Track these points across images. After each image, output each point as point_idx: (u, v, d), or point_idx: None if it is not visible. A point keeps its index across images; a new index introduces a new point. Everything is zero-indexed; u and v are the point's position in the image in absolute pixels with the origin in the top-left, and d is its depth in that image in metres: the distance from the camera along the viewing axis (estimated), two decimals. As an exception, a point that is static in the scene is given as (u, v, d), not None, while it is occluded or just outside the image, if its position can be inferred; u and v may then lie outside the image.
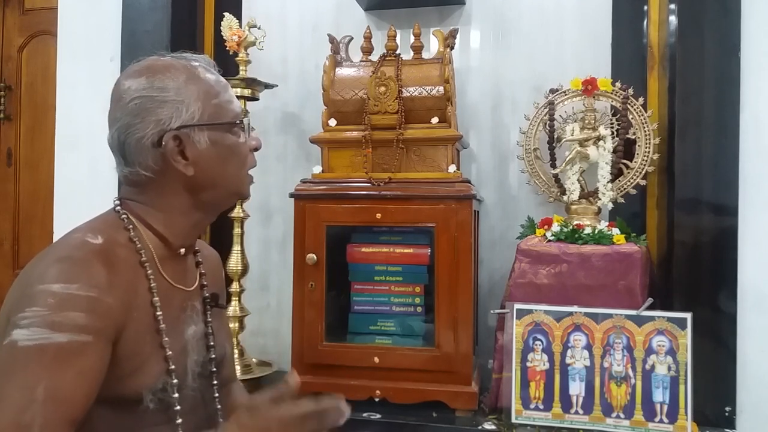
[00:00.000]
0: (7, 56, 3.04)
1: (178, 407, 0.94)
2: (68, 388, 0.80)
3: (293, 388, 0.91)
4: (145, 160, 0.94)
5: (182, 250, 1.00)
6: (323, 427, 0.87)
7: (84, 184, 2.12)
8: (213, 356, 1.04)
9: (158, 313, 0.93)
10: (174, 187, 0.97)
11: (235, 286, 1.90)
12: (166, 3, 2.03)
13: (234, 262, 1.90)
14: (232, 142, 0.99)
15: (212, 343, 1.04)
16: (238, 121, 1.00)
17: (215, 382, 1.05)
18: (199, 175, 0.96)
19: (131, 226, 0.95)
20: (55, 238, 2.14)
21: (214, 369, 1.05)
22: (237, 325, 1.89)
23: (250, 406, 0.90)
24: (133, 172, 0.96)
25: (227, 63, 2.03)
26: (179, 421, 0.94)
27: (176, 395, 0.94)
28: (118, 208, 0.98)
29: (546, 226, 1.69)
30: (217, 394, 1.05)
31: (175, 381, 0.94)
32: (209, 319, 1.05)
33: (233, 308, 1.89)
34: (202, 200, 0.99)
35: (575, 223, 1.67)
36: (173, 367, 0.94)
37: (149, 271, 0.94)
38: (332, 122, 1.77)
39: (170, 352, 0.93)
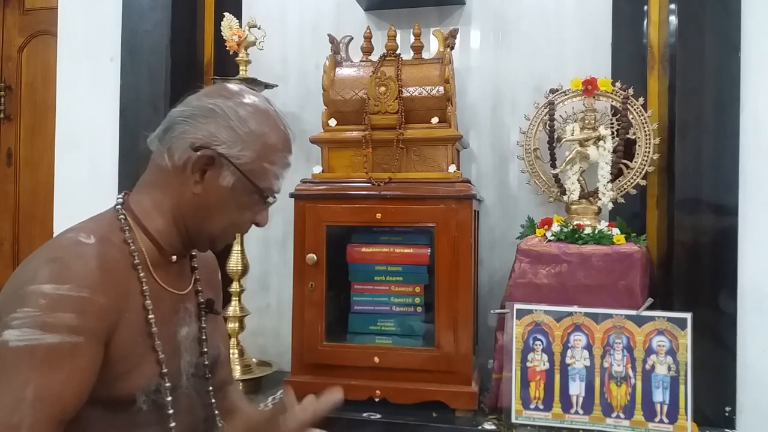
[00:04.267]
0: (7, 56, 3.04)
1: (171, 410, 0.94)
2: (58, 388, 0.80)
3: (290, 405, 0.94)
4: (175, 151, 0.95)
5: (174, 258, 1.00)
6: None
7: (84, 184, 2.12)
8: (206, 360, 1.04)
9: (150, 316, 0.93)
10: (177, 194, 0.97)
11: (235, 286, 1.90)
12: (166, 3, 2.03)
13: (234, 262, 1.90)
14: (245, 202, 0.99)
15: (205, 348, 1.04)
16: (266, 195, 1.00)
17: (210, 382, 1.05)
18: (199, 200, 0.96)
19: (127, 228, 0.95)
20: (55, 238, 2.15)
21: (209, 370, 1.05)
22: (237, 325, 1.89)
23: (247, 423, 0.92)
24: (159, 153, 0.97)
25: (227, 63, 2.04)
26: (172, 424, 0.94)
27: (169, 398, 0.94)
28: (119, 207, 0.98)
29: (546, 226, 1.68)
30: (212, 395, 1.05)
31: (168, 384, 0.94)
32: (203, 324, 1.05)
33: (233, 308, 1.89)
34: (187, 224, 0.98)
35: (575, 223, 1.67)
36: (166, 370, 0.94)
37: (141, 274, 0.93)
38: (332, 122, 1.77)
39: (162, 355, 0.93)
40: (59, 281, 0.83)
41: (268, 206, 1.03)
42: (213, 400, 1.05)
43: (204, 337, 1.04)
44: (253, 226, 1.04)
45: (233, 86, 1.02)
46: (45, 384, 0.79)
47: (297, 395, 1.72)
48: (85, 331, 0.83)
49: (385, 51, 1.79)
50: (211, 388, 1.05)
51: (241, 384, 1.78)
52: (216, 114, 0.95)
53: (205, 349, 1.04)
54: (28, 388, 0.78)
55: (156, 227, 0.97)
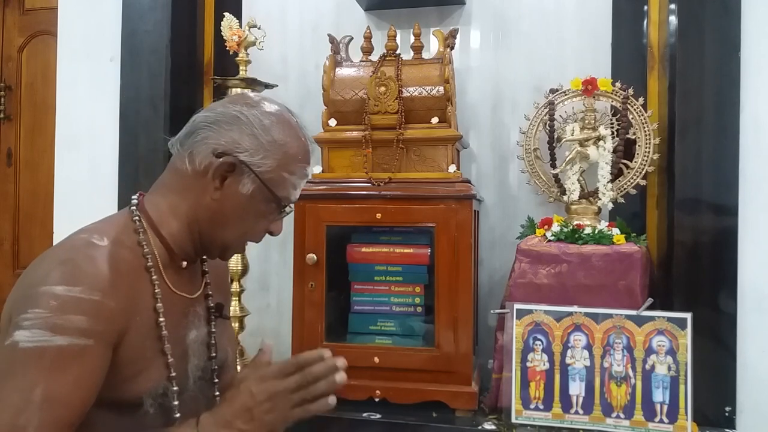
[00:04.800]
0: (7, 56, 3.04)
1: (178, 414, 0.94)
2: (66, 391, 0.80)
3: (268, 354, 0.93)
4: (196, 155, 0.95)
5: (184, 264, 1.00)
6: (316, 385, 0.88)
7: (84, 184, 2.12)
8: (215, 365, 1.04)
9: (161, 319, 0.93)
10: (195, 199, 0.97)
11: (235, 286, 1.90)
12: (166, 3, 2.03)
13: (234, 262, 1.90)
14: (261, 211, 0.99)
15: (214, 353, 1.04)
16: (283, 204, 1.00)
17: (217, 386, 1.05)
18: (217, 206, 0.96)
19: (142, 230, 0.95)
20: (55, 237, 2.15)
21: (216, 373, 1.05)
22: (237, 325, 1.88)
23: (233, 383, 0.91)
24: (180, 157, 0.97)
25: (227, 63, 2.04)
26: None
27: (176, 402, 0.94)
28: (134, 208, 0.98)
29: (546, 226, 1.68)
30: (219, 399, 1.05)
31: (175, 388, 0.93)
32: (213, 325, 1.05)
33: (233, 308, 1.89)
34: (201, 231, 0.98)
35: (575, 223, 1.67)
36: (174, 373, 0.93)
37: (153, 277, 0.93)
38: (332, 122, 1.77)
39: (171, 359, 0.93)
40: (71, 283, 0.83)
41: (284, 216, 1.03)
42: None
43: (213, 342, 1.04)
44: (267, 235, 1.04)
45: (256, 95, 1.03)
46: (53, 386, 0.79)
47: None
48: (95, 334, 0.83)
49: (385, 51, 1.79)
50: (218, 392, 1.05)
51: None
52: (240, 121, 0.95)
53: (214, 354, 1.04)
54: (36, 390, 0.78)
55: (170, 231, 0.97)
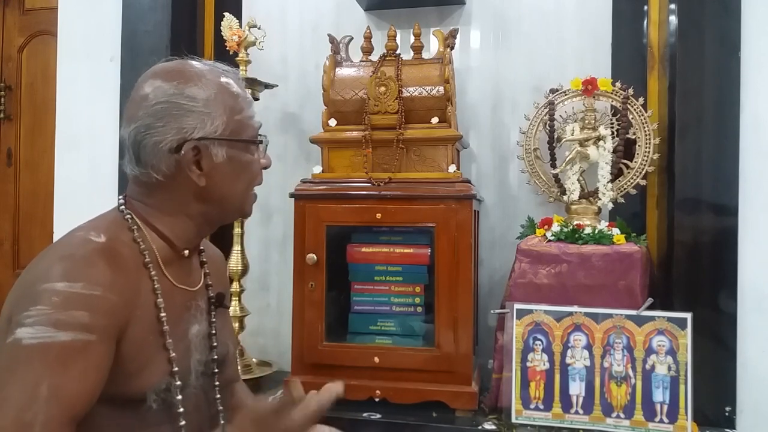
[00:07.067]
0: (7, 56, 3.04)
1: (182, 409, 0.94)
2: (71, 386, 0.80)
3: (297, 399, 0.92)
4: (159, 164, 0.94)
5: (186, 252, 1.00)
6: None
7: (84, 184, 2.12)
8: (215, 355, 1.04)
9: (162, 314, 0.93)
10: (183, 195, 0.97)
11: (235, 286, 1.90)
12: (166, 3, 2.03)
13: (234, 262, 1.90)
14: (247, 160, 0.99)
15: (215, 342, 1.04)
16: (257, 141, 1.00)
17: (217, 381, 1.05)
18: (210, 186, 0.96)
19: (135, 227, 0.95)
20: (55, 238, 2.14)
21: (216, 368, 1.05)
22: (237, 325, 1.88)
23: (254, 415, 0.91)
24: (144, 174, 0.95)
25: (227, 63, 2.03)
26: (182, 422, 0.94)
27: (180, 397, 0.94)
28: (123, 207, 0.98)
29: (546, 226, 1.69)
30: (219, 395, 1.05)
31: (178, 383, 0.94)
32: (213, 319, 1.05)
33: (233, 308, 1.89)
34: (207, 211, 0.99)
35: (575, 223, 1.67)
36: (177, 368, 0.94)
37: (153, 272, 0.93)
38: (332, 122, 1.77)
39: (174, 354, 0.93)
40: (72, 279, 0.83)
41: (264, 146, 1.05)
42: (218, 396, 1.05)
43: (214, 332, 1.04)
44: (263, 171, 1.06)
45: (152, 73, 0.98)
46: (58, 382, 0.79)
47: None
48: (98, 328, 0.83)
49: (385, 51, 1.79)
50: (217, 383, 1.05)
51: (241, 384, 1.78)
52: (168, 110, 0.93)
53: (215, 344, 1.04)
54: (41, 386, 0.78)
55: (165, 225, 0.97)
